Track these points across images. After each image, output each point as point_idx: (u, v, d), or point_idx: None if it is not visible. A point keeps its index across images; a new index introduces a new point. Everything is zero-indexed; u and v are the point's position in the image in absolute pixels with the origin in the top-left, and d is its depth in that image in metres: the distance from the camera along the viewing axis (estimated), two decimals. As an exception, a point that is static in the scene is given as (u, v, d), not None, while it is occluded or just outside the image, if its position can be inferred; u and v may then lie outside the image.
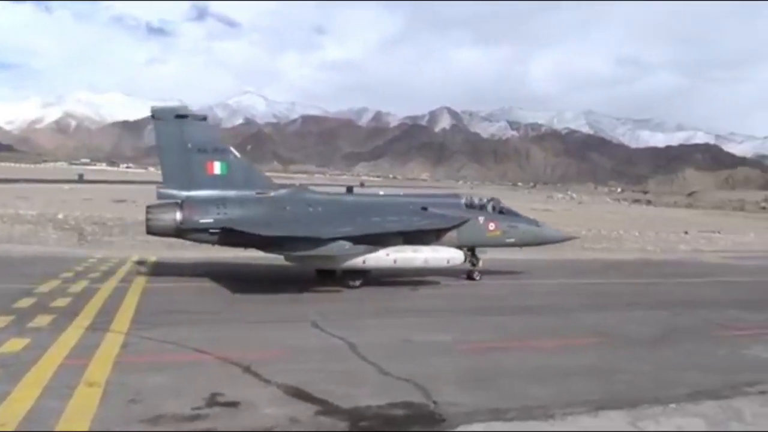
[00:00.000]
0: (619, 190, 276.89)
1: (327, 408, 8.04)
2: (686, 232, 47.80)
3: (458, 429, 7.69)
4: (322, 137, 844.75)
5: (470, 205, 19.47)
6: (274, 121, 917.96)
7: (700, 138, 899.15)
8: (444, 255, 17.54)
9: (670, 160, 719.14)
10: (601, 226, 46.25)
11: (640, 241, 38.73)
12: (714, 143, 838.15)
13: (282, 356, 10.30)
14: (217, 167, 17.35)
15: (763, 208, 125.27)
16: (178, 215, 16.68)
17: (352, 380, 9.22)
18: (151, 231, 17.16)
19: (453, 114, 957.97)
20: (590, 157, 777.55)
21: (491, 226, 19.17)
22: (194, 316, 13.13)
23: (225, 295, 15.47)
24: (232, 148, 17.97)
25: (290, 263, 16.89)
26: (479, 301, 16.52)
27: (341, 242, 16.05)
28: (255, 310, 14.01)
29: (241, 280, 17.12)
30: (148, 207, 17.15)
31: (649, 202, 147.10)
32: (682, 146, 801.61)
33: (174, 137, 17.01)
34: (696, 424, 8.17)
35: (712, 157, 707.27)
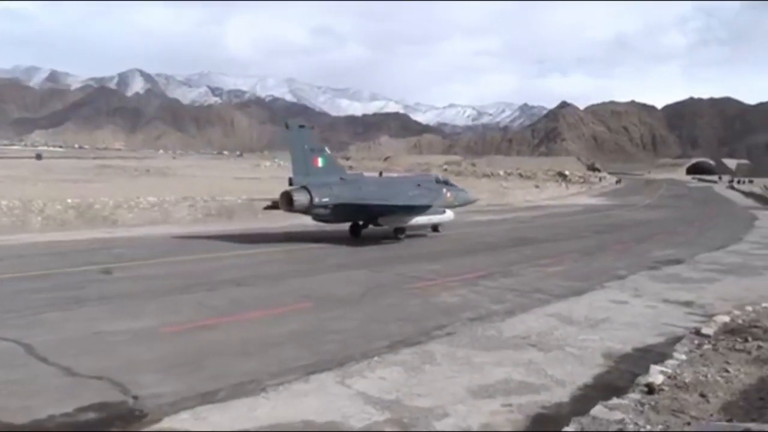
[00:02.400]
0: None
1: (-10, 429, 6.75)
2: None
3: (163, 421, 7.18)
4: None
5: (438, 181, 29.09)
6: None
7: (392, 107, 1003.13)
8: (451, 215, 27.44)
9: (368, 127, 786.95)
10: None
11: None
12: (403, 112, 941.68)
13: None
14: (320, 161, 24.59)
15: (446, 169, 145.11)
16: (308, 196, 23.32)
17: (28, 389, 7.92)
18: (292, 209, 23.53)
19: (147, 77, 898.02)
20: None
21: (448, 195, 28.41)
22: None
23: None
24: (326, 147, 25.63)
25: (382, 226, 25.16)
26: (187, 279, 15.73)
27: (434, 207, 26.00)
28: None
29: None
30: (290, 191, 23.43)
31: (351, 168, 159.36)
32: (376, 115, 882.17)
33: (298, 141, 24.17)
34: (396, 372, 8.97)
35: (402, 125, 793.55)
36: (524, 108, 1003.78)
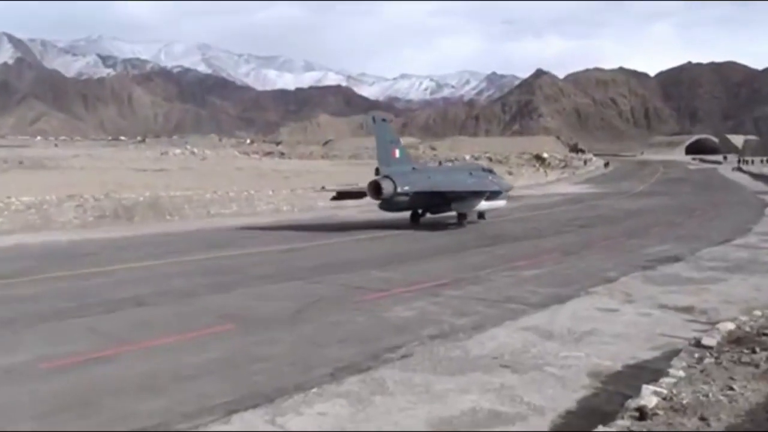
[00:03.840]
0: (248, 141, 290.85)
1: None
2: (323, 188, 52.67)
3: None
4: None
5: (483, 170, 37.35)
6: None
7: (332, 79, 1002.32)
8: (505, 202, 35.43)
9: (302, 104, 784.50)
10: (229, 186, 47.83)
11: (275, 201, 41.42)
12: (346, 85, 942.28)
13: None
14: (397, 152, 32.31)
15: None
16: (393, 185, 30.33)
17: None
18: (380, 197, 30.70)
19: (17, 43, 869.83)
20: (211, 102, 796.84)
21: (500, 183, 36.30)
22: None
23: None
24: (400, 139, 34.65)
25: (456, 212, 32.36)
26: (74, 299, 15.35)
27: (504, 194, 34.86)
28: None
29: None
30: (378, 180, 30.63)
31: (282, 154, 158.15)
32: (313, 89, 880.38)
33: (381, 134, 32.15)
34: (339, 406, 8.98)
35: (345, 101, 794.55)
36: (492, 78, 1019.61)
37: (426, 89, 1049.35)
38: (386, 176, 30.69)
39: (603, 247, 25.04)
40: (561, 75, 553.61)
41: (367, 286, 17.03)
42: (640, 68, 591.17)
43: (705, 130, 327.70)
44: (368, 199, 32.22)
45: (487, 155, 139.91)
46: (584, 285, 17.40)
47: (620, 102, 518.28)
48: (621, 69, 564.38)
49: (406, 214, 33.13)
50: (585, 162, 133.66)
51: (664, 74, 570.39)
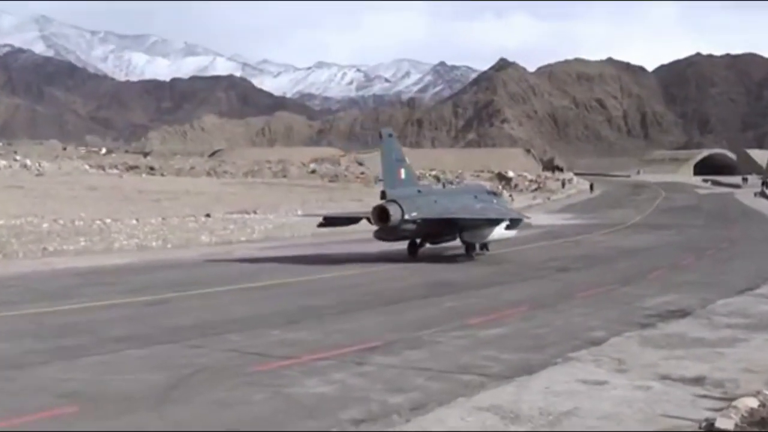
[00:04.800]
0: (103, 150, 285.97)
1: None
2: (208, 215, 52.29)
3: None
4: None
5: (489, 192, 43.86)
6: None
7: (222, 68, 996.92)
8: (515, 231, 38.43)
9: (180, 101, 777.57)
10: (74, 212, 46.93)
11: (140, 233, 40.75)
12: (241, 75, 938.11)
13: None
14: (403, 173, 36.67)
15: (313, 171, 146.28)
16: (400, 211, 34.29)
17: None
18: (387, 225, 34.70)
19: None
20: (52, 96, 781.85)
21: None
22: None
23: None
24: (406, 157, 38.43)
25: (468, 242, 36.69)
26: None
27: (522, 222, 39.71)
28: None
29: None
30: (385, 205, 34.72)
31: (152, 169, 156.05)
32: (196, 80, 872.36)
33: (388, 151, 36.76)
34: None
35: (240, 97, 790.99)
36: (440, 70, 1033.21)
37: (351, 83, 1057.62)
38: (392, 200, 34.52)
39: (587, 298, 25.30)
40: (531, 67, 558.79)
41: (267, 352, 16.78)
42: (635, 61, 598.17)
43: (719, 143, 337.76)
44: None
45: (433, 173, 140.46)
46: (562, 349, 17.45)
47: (609, 105, 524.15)
48: (610, 61, 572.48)
49: (396, 244, 37.19)
50: (563, 183, 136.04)
51: (665, 69, 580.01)
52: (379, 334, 18.93)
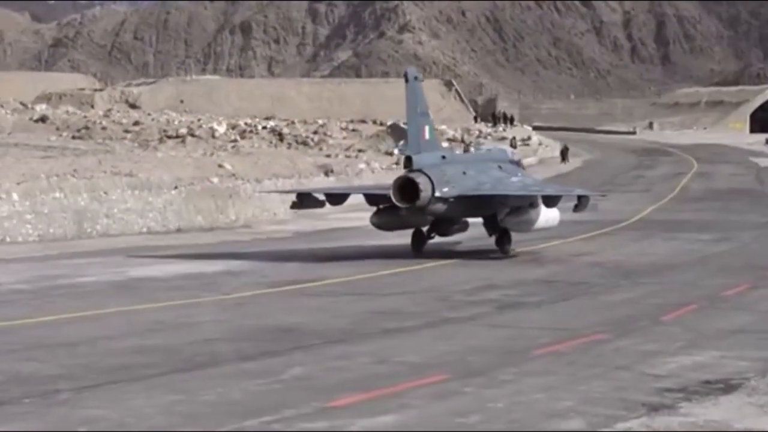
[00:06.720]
0: None
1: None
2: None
3: None
4: None
5: (512, 161, 36.39)
6: None
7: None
8: (558, 215, 34.74)
9: None
10: None
11: None
12: None
13: None
14: (427, 131, 32.07)
15: (43, 119, 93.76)
16: (430, 185, 30.48)
17: None
18: (414, 205, 30.34)
19: None
20: None
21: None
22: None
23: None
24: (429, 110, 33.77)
25: (506, 226, 31.86)
26: None
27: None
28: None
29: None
30: (412, 177, 30.31)
31: None
32: None
33: (413, 100, 32.14)
34: None
35: None
36: None
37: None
38: (419, 170, 29.82)
39: (553, 357, 17.26)
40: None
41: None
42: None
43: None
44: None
45: (270, 124, 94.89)
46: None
47: (599, 8, 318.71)
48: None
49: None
50: (512, 145, 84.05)
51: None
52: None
